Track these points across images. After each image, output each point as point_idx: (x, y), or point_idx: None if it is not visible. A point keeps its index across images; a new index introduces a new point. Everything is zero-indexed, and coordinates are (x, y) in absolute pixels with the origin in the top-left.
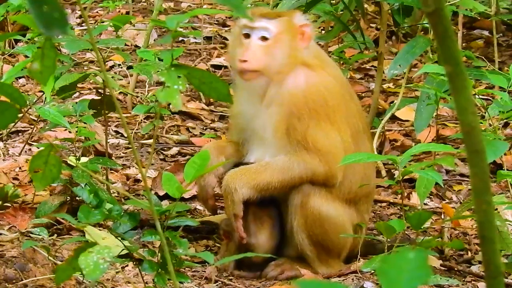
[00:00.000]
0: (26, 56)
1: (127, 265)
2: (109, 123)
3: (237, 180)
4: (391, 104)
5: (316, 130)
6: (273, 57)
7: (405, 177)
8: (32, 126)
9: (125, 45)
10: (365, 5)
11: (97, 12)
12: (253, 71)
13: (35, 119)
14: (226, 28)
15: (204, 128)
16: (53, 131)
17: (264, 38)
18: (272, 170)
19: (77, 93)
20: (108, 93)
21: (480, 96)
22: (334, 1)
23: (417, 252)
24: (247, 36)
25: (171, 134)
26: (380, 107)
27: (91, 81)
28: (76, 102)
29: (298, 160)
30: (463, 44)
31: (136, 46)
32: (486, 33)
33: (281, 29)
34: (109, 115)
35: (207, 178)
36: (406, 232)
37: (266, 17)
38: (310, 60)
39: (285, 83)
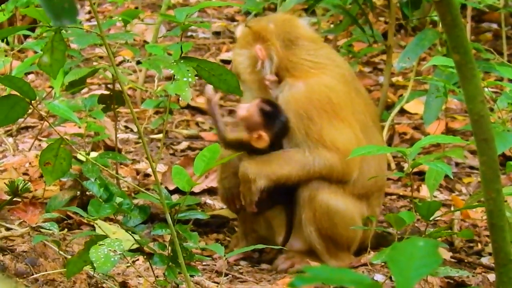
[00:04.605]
0: (35, 52)
1: (137, 259)
2: (118, 118)
3: (257, 171)
4: (400, 97)
5: (330, 128)
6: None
7: (415, 170)
8: (42, 122)
9: (134, 40)
10: None
11: (105, 7)
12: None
13: (45, 114)
14: (235, 23)
15: None
16: (63, 126)
17: None
18: (293, 165)
19: (86, 89)
20: (117, 88)
21: (489, 89)
22: None
23: (427, 240)
24: None
25: (181, 129)
26: (389, 100)
27: (100, 76)
28: (86, 97)
29: (320, 156)
30: (472, 37)
31: (145, 41)
32: (494, 26)
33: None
34: (118, 110)
35: (233, 180)
36: (416, 224)
37: None
38: (296, 72)
39: (285, 92)
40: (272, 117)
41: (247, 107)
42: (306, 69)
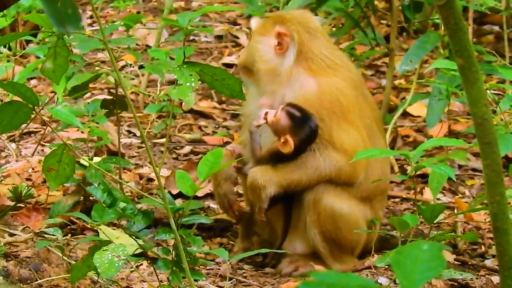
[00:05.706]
0: (37, 57)
1: (141, 264)
2: (121, 123)
3: (267, 177)
4: (403, 100)
5: (339, 130)
6: None
7: (418, 173)
8: (45, 127)
9: (136, 45)
10: (376, 2)
11: (107, 12)
12: None
13: (47, 119)
14: (237, 27)
15: (217, 126)
16: (66, 131)
17: None
18: (304, 169)
19: (89, 94)
20: (120, 93)
21: (492, 91)
22: None
23: (431, 243)
24: None
25: (184, 133)
26: (391, 103)
27: (102, 81)
28: (88, 102)
29: (329, 158)
30: (474, 40)
31: (147, 46)
32: (496, 28)
33: None
34: (121, 114)
35: (224, 186)
36: (419, 227)
37: None
38: (313, 66)
39: (296, 89)
40: (300, 122)
41: (274, 112)
42: (323, 65)
